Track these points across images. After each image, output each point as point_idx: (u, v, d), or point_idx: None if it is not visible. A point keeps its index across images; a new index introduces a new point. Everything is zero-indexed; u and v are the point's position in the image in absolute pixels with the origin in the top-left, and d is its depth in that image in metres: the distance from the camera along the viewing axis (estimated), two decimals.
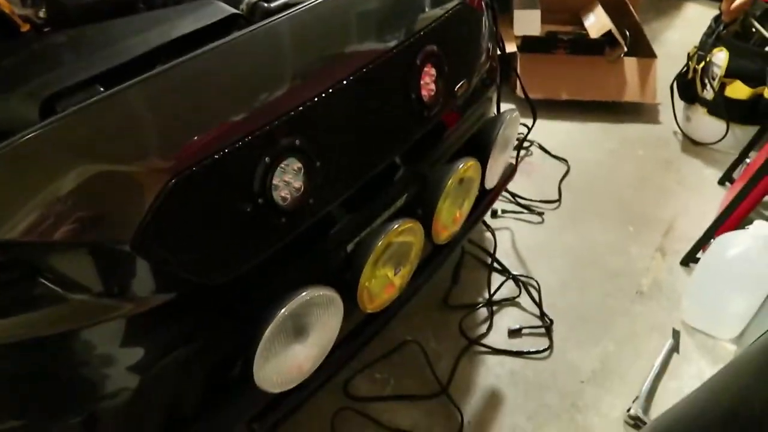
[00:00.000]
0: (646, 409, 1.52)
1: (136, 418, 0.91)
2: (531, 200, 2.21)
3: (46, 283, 0.78)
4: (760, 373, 0.92)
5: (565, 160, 2.45)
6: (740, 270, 1.59)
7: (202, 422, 0.95)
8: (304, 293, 0.92)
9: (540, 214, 2.17)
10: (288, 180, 0.95)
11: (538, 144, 2.52)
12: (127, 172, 0.80)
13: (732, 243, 1.61)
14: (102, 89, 0.86)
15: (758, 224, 1.55)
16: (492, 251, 1.92)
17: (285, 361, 0.94)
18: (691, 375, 1.63)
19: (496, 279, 1.87)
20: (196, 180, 0.82)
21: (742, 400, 0.91)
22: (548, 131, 2.57)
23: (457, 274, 1.84)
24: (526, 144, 2.48)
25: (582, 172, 2.41)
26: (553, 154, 2.48)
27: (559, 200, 2.24)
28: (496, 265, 1.90)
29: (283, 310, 0.89)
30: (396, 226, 1.06)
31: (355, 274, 1.02)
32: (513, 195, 2.20)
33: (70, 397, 0.85)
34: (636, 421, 1.49)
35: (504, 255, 1.96)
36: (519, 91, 2.65)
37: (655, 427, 1.17)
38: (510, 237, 2.06)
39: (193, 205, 0.84)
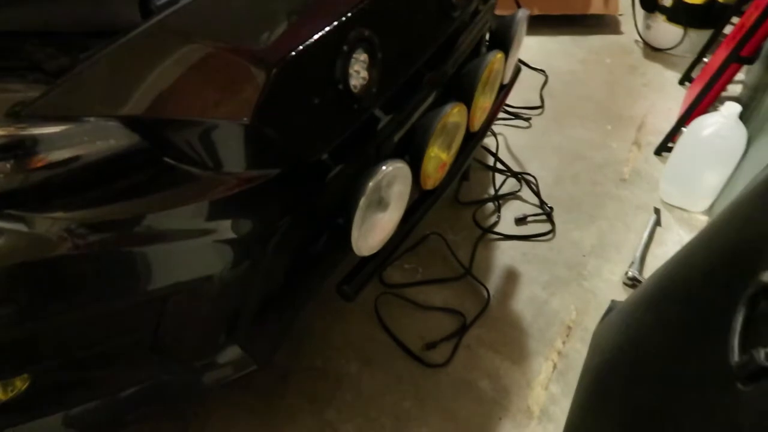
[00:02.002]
0: (641, 271, 1.77)
1: (250, 281, 1.03)
2: (518, 107, 2.38)
3: (171, 161, 0.88)
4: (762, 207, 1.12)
5: (543, 71, 2.62)
6: (713, 147, 1.82)
7: (304, 285, 1.09)
8: (385, 167, 1.05)
9: (527, 119, 2.35)
10: (357, 70, 1.07)
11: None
12: (239, 62, 0.90)
13: (706, 123, 1.83)
14: None
15: (728, 104, 1.77)
16: (495, 152, 2.10)
17: (373, 226, 1.09)
18: (674, 242, 1.89)
19: (499, 177, 2.05)
20: (293, 68, 0.93)
21: (740, 236, 1.10)
22: (524, 45, 2.71)
23: (467, 173, 2.01)
24: None
25: (559, 80, 2.59)
26: (531, 65, 2.65)
27: (542, 106, 2.43)
28: (499, 165, 2.08)
29: (372, 182, 1.03)
30: (450, 108, 1.19)
31: (420, 152, 1.16)
32: None
33: (194, 265, 0.96)
34: (633, 282, 1.74)
35: (501, 156, 2.14)
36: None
37: (653, 280, 1.39)
38: (504, 141, 2.23)
39: (291, 91, 0.95)
